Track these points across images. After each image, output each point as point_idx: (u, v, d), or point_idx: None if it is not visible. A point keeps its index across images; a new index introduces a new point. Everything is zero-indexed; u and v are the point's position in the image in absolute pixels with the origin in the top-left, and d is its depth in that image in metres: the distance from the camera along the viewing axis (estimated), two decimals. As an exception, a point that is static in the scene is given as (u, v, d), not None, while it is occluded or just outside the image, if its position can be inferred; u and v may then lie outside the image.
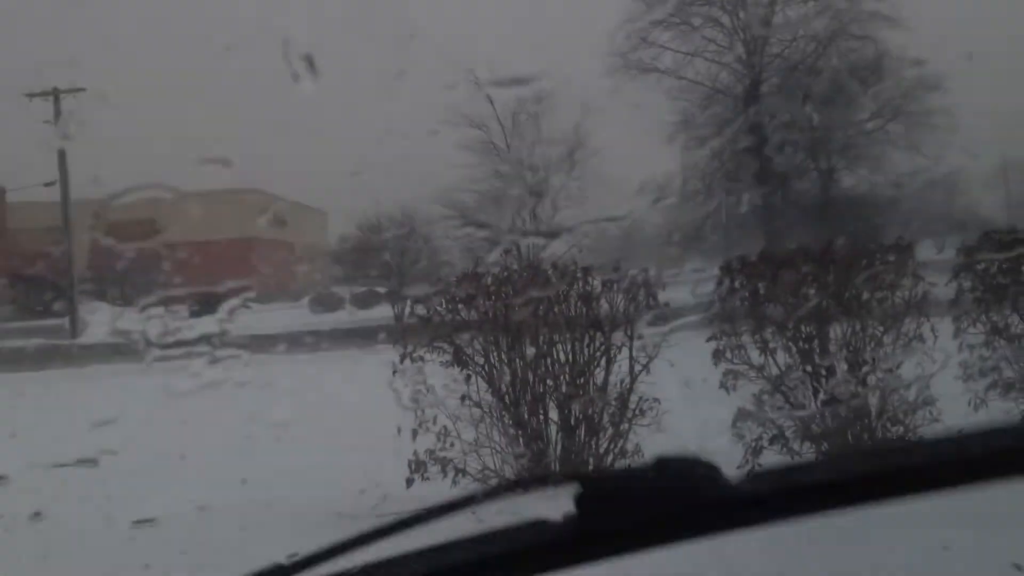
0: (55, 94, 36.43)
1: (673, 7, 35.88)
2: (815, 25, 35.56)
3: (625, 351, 6.94)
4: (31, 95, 36.25)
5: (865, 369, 6.72)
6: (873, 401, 6.73)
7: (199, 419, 9.76)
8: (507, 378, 6.92)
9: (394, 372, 6.82)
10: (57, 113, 36.34)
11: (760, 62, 35.58)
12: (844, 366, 6.76)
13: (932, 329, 6.73)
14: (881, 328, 6.73)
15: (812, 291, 6.86)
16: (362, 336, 21.88)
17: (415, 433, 6.62)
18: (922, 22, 33.94)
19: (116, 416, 10.61)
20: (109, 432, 9.23)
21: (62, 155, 36.46)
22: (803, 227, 32.77)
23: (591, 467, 6.84)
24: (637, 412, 6.93)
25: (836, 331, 6.82)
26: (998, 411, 6.64)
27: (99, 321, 35.80)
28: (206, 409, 9.14)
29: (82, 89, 36.52)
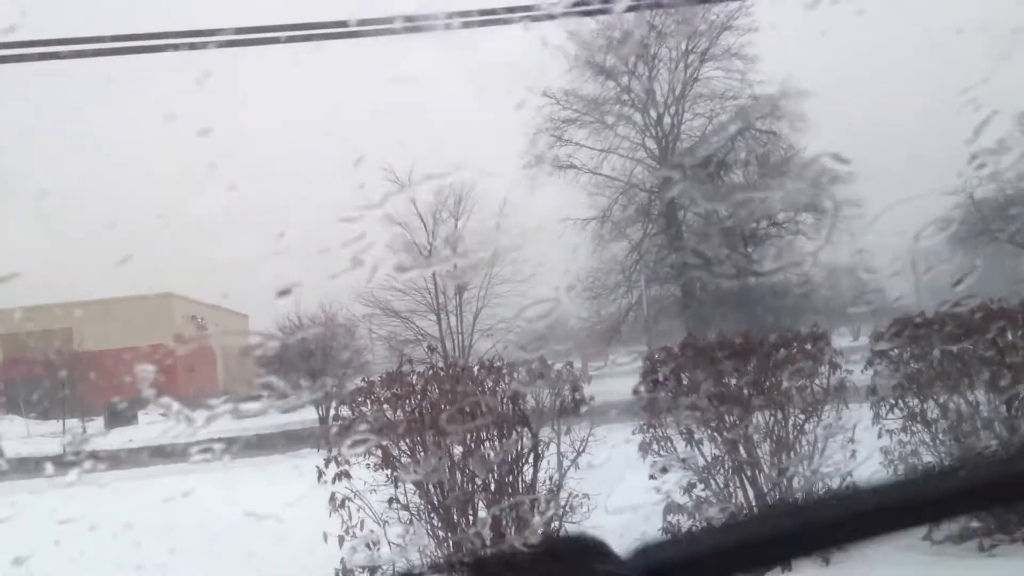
0: (-35, 200, 35.61)
1: (586, 106, 36.94)
2: (723, 120, 36.90)
3: (553, 447, 6.92)
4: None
5: (788, 458, 6.80)
6: (799, 491, 6.79)
7: (114, 538, 9.37)
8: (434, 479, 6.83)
9: (319, 477, 6.69)
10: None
11: (672, 157, 36.69)
12: (768, 455, 6.83)
13: (851, 416, 6.86)
14: (803, 416, 6.85)
15: (734, 381, 6.96)
16: (285, 441, 21.45)
17: (341, 540, 6.47)
18: (824, 117, 35.45)
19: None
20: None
21: (-28, 264, 35.50)
22: (722, 316, 33.35)
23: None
24: (567, 509, 6.88)
25: (759, 420, 6.90)
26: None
27: (13, 435, 34.46)
28: (124, 524, 8.79)
29: (-8, 195, 35.78)
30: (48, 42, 6.25)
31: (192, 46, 6.23)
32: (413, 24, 6.30)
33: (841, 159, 35.01)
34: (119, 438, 31.53)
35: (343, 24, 6.22)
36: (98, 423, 35.83)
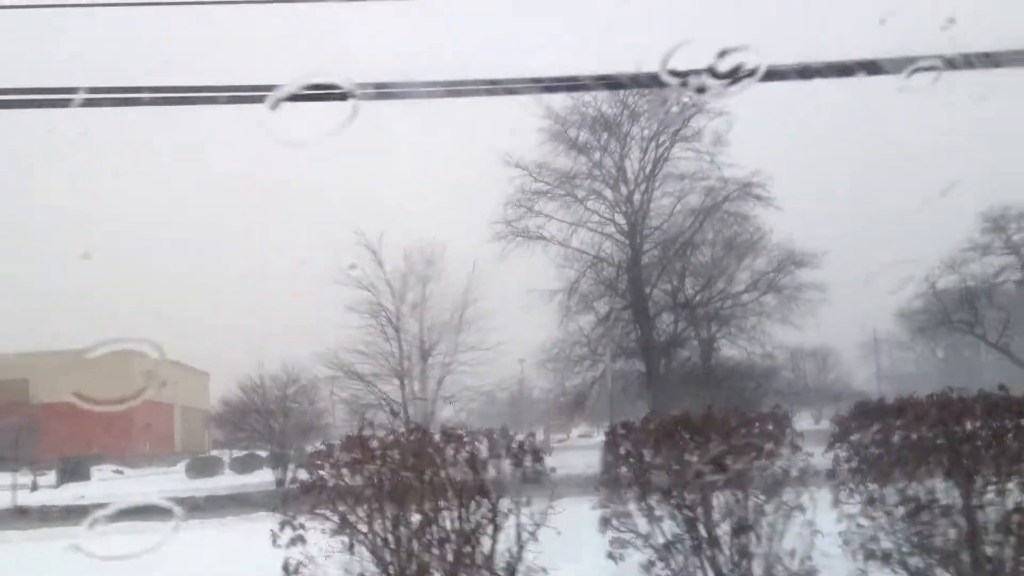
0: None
1: (558, 179, 37.32)
2: (691, 200, 37.38)
3: (513, 518, 6.85)
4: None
5: (748, 539, 6.76)
6: (758, 572, 6.75)
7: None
8: (391, 547, 6.73)
9: (273, 542, 6.57)
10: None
11: (640, 234, 37.05)
12: (728, 535, 6.80)
13: (811, 498, 6.85)
14: (763, 497, 6.83)
15: (695, 458, 6.95)
16: (240, 503, 21.04)
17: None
18: (792, 201, 36.11)
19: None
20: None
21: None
22: (686, 394, 33.42)
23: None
24: (525, 583, 6.78)
25: (720, 499, 6.88)
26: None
27: (-44, 487, 33.61)
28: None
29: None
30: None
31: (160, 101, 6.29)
32: (385, 91, 6.37)
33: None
34: (70, 494, 30.81)
35: (320, 87, 6.26)
36: (50, 477, 35.05)
